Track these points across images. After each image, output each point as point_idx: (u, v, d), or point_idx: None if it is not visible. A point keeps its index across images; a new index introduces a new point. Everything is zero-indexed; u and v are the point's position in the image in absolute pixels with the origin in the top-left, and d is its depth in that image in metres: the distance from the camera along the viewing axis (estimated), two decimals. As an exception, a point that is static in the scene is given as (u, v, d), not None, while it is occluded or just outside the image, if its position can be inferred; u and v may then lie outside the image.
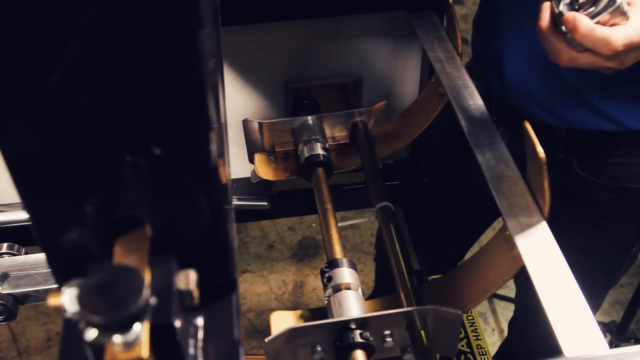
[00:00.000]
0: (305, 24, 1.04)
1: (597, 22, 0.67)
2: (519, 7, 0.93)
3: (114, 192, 0.37)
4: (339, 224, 0.88)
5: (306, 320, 0.78)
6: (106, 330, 0.33)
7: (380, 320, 0.69)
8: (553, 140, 0.94)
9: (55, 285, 0.41)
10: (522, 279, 0.65)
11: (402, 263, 0.82)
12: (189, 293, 0.39)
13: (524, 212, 0.68)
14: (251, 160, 1.06)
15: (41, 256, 0.78)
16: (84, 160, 0.36)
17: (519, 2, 0.93)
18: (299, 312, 0.80)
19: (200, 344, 0.43)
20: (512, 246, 0.66)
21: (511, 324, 1.36)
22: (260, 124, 1.02)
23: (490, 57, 1.00)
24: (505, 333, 1.89)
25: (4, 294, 0.75)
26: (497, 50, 0.97)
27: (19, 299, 0.76)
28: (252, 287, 2.03)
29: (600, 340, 0.55)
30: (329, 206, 0.90)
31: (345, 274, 0.76)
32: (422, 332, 0.71)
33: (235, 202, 1.07)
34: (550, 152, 0.75)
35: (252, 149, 1.05)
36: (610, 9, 0.68)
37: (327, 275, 0.77)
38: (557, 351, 0.54)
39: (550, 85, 0.93)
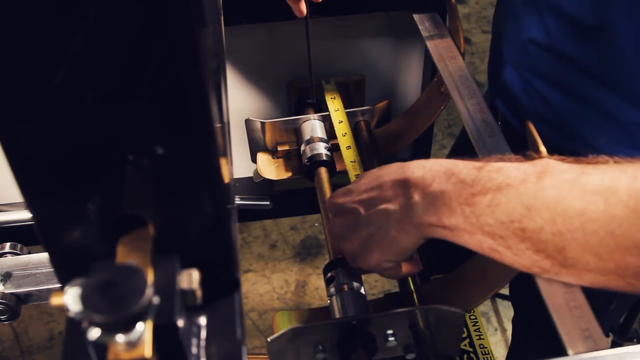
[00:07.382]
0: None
1: None
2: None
3: (117, 191, 0.37)
4: (342, 224, 0.88)
5: (309, 319, 0.78)
6: (109, 329, 0.33)
7: (383, 319, 0.69)
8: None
9: (58, 285, 0.41)
10: (519, 283, 0.64)
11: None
12: (191, 292, 0.39)
13: (527, 211, 0.67)
14: (254, 160, 1.06)
15: (44, 255, 0.78)
16: (86, 159, 0.36)
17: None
18: (301, 311, 0.80)
19: (202, 343, 0.43)
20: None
21: (514, 328, 1.36)
22: (262, 124, 1.02)
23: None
24: (508, 332, 1.89)
25: (6, 293, 0.75)
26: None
27: (22, 299, 0.76)
28: (255, 287, 2.03)
29: (602, 340, 0.55)
30: (331, 205, 0.89)
31: (348, 273, 0.76)
32: (425, 331, 0.70)
33: (237, 201, 1.07)
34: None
35: (255, 148, 1.05)
36: None
37: (329, 274, 0.77)
38: (562, 351, 0.54)
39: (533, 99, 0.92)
